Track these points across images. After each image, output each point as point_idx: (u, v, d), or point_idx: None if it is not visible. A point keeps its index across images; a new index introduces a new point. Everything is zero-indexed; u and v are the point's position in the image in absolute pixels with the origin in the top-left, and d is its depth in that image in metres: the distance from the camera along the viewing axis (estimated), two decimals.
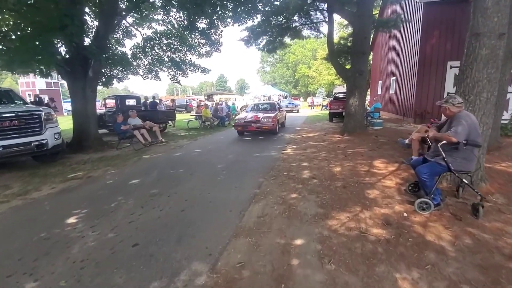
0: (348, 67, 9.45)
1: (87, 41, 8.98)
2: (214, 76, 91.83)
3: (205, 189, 4.23)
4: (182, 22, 11.23)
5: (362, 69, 8.33)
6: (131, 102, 11.74)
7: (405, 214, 3.06)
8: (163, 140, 8.87)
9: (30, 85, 28.88)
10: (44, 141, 5.82)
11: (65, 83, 11.22)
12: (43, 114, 5.89)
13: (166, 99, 31.24)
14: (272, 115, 9.53)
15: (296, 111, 25.12)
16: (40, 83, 27.73)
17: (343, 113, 12.63)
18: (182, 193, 4.09)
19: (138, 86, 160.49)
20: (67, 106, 26.27)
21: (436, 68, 10.80)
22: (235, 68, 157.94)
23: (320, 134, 9.49)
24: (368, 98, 20.41)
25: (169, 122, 12.24)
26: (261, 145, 8.00)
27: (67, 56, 7.22)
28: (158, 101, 15.07)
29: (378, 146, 6.82)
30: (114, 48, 12.32)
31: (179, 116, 16.98)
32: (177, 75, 12.89)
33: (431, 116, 11.03)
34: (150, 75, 13.13)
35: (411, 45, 11.81)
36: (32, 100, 14.34)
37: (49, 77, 10.75)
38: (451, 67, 10.66)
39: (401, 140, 5.36)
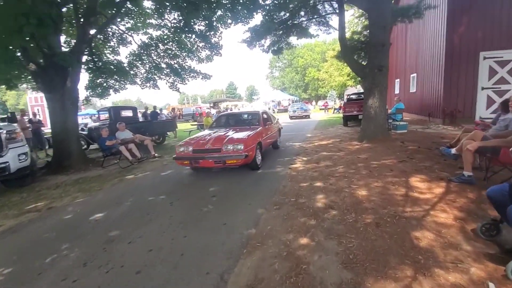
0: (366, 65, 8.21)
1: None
2: (224, 84, 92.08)
3: (182, 230, 3.09)
4: (177, 24, 10.35)
5: (382, 63, 7.07)
6: (127, 113, 10.89)
7: (491, 286, 1.82)
8: (156, 155, 7.86)
9: (38, 100, 29.01)
10: (4, 165, 4.90)
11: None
12: (3, 133, 4.99)
13: (169, 108, 30.77)
14: (246, 136, 5.35)
15: (307, 117, 21.84)
16: None
17: (359, 116, 11.35)
18: (149, 238, 2.97)
19: (151, 96, 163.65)
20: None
21: (467, 60, 9.37)
22: (245, 75, 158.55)
23: (334, 142, 8.23)
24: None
25: (168, 133, 11.29)
26: (265, 157, 6.85)
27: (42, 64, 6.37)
28: (159, 111, 14.24)
29: (409, 155, 5.51)
30: (108, 56, 11.63)
31: (182, 126, 16.10)
32: (176, 83, 12.03)
33: (463, 115, 9.58)
34: (148, 84, 12.35)
35: (435, 35, 10.42)
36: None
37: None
38: (485, 58, 9.22)
39: (446, 150, 4.08)
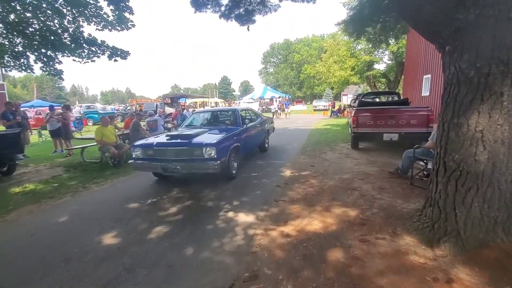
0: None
1: None
2: (217, 78, 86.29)
3: None
4: None
5: None
6: None
7: None
8: None
9: None
10: None
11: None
12: None
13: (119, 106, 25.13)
14: None
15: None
16: None
17: (384, 136, 6.21)
18: None
19: (143, 87, 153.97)
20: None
21: None
22: (240, 70, 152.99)
23: (347, 232, 3.04)
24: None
25: (21, 156, 5.95)
26: None
27: None
28: (62, 109, 8.77)
29: None
30: None
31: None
32: (50, 61, 6.69)
33: None
34: (16, 63, 6.98)
35: None
36: None
37: None
38: None
39: None
